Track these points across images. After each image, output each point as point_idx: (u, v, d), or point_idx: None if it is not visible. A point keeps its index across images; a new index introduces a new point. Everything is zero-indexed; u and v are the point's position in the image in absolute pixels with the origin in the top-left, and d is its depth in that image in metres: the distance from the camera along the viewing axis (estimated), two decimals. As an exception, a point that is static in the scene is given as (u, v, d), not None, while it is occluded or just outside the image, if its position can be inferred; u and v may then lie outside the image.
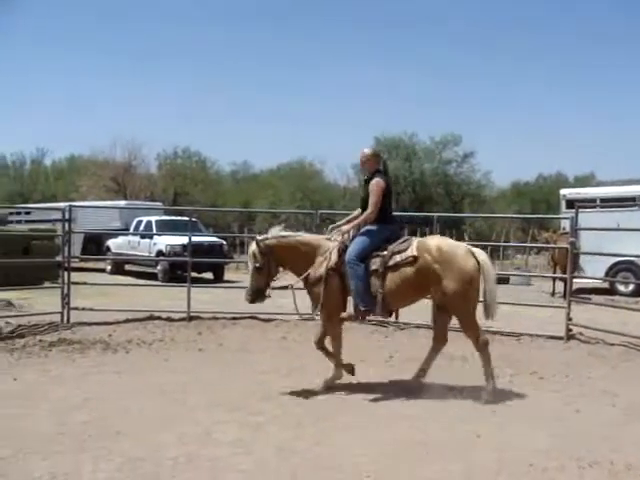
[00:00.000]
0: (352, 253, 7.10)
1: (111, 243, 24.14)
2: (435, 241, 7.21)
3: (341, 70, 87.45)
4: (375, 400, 6.91)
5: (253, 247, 7.19)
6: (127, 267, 23.49)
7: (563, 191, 20.20)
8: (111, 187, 42.13)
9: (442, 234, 9.05)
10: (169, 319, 11.53)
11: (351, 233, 7.34)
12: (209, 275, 20.41)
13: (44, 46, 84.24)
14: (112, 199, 36.42)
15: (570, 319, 10.44)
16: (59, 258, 13.18)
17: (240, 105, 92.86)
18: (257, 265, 7.11)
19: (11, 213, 26.54)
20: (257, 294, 7.19)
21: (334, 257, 7.18)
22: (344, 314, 7.31)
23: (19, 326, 10.58)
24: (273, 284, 7.41)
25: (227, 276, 21.41)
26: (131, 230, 23.09)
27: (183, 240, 18.23)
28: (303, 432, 5.87)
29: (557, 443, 5.64)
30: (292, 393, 7.09)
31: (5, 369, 8.10)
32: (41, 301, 13.07)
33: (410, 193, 38.82)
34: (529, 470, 5.04)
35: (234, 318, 11.52)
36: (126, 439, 5.59)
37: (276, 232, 7.38)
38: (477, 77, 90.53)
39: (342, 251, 7.20)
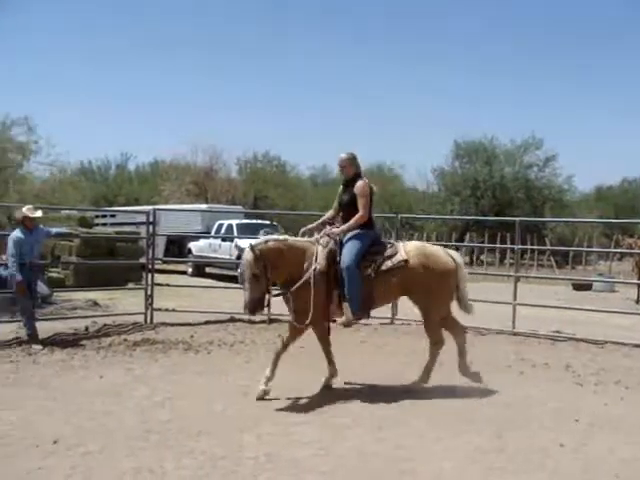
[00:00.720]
0: (349, 258, 7.03)
1: (193, 246, 24.57)
2: (417, 245, 7.59)
3: (418, 74, 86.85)
4: (452, 404, 6.81)
5: (248, 254, 6.83)
6: (208, 270, 23.74)
7: (650, 195, 19.59)
8: (192, 191, 42.73)
9: (523, 239, 8.95)
10: (249, 321, 11.64)
11: (336, 238, 7.22)
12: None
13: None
14: (194, 203, 37.00)
15: (657, 327, 10.13)
16: (143, 260, 13.49)
17: (318, 110, 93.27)
18: (254, 273, 6.75)
19: (97, 216, 27.21)
20: (256, 303, 6.81)
21: (322, 261, 7.05)
22: (341, 319, 7.28)
23: (104, 325, 10.93)
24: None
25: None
26: (212, 233, 23.52)
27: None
28: (384, 436, 5.85)
29: (644, 454, 5.49)
30: (372, 396, 7.08)
31: (92, 367, 8.36)
32: (125, 302, 13.47)
33: (490, 198, 38.12)
34: (615, 481, 4.92)
35: (313, 321, 11.52)
36: (208, 438, 5.69)
37: (262, 237, 7.26)
38: (559, 79, 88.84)
39: (330, 255, 7.10)
